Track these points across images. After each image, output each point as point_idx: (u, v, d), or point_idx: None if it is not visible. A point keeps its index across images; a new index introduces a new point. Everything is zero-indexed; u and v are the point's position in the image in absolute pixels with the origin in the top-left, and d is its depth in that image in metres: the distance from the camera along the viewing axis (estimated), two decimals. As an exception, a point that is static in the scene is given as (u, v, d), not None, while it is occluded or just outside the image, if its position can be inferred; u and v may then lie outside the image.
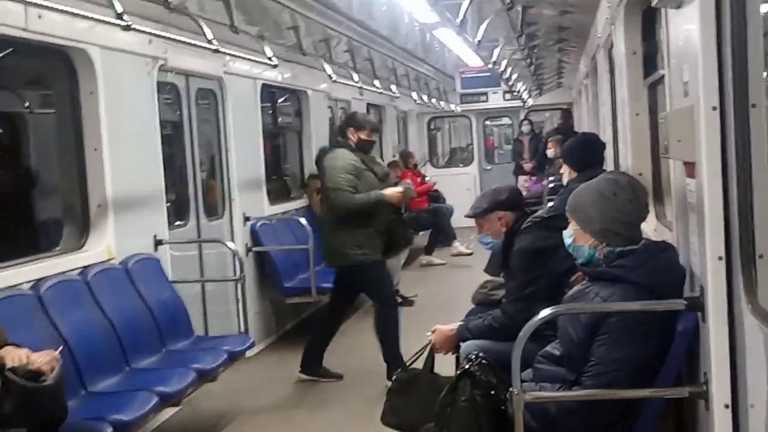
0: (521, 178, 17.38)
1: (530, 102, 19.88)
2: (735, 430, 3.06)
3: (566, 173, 6.73)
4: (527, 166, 17.51)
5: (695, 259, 3.42)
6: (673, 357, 3.57)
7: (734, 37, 2.86)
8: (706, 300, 3.15)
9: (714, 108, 2.99)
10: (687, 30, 3.32)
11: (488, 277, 6.11)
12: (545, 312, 3.55)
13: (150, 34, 6.53)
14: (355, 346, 8.87)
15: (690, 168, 3.37)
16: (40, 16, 5.41)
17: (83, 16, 5.64)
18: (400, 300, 10.76)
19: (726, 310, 3.05)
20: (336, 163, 7.36)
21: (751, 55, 2.81)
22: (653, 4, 3.70)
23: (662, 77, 4.53)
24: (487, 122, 21.29)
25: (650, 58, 5.94)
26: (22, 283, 5.35)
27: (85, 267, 5.95)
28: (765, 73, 2.83)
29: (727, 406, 3.07)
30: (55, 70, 6.32)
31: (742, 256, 2.87)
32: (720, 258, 3.03)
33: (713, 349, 3.10)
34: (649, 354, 3.59)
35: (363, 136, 7.52)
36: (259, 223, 8.97)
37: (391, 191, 7.43)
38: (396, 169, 14.67)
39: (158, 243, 6.88)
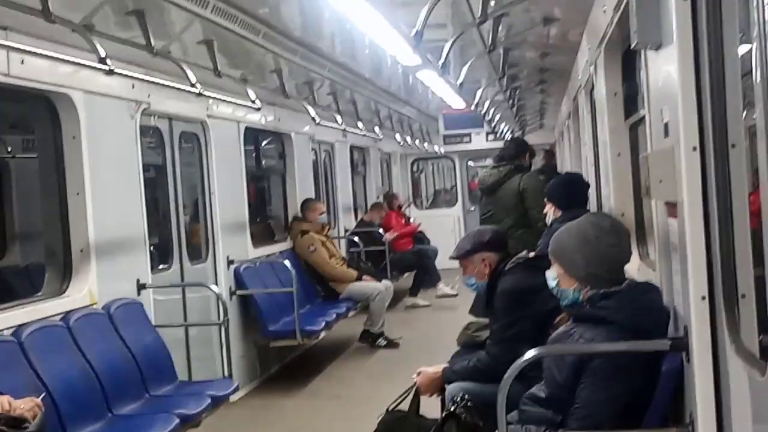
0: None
1: (513, 143, 19.92)
2: (722, 472, 3.04)
3: (550, 212, 6.76)
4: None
5: (679, 299, 3.42)
6: (658, 398, 3.55)
7: (713, 77, 2.89)
8: (691, 340, 3.15)
9: (694, 148, 3.01)
10: (666, 71, 3.35)
11: (472, 318, 6.10)
12: (530, 353, 3.54)
13: (133, 78, 6.55)
14: (340, 391, 8.83)
15: (672, 208, 3.38)
16: (22, 62, 5.41)
17: (66, 61, 5.65)
18: (384, 342, 10.76)
19: (710, 350, 3.04)
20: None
21: (729, 95, 2.83)
22: (633, 46, 3.73)
23: (643, 118, 4.57)
24: (471, 163, 21.37)
25: (631, 99, 5.99)
26: (3, 329, 5.30)
27: (67, 312, 5.90)
28: (744, 114, 2.85)
29: (713, 447, 3.06)
30: (37, 114, 6.31)
31: (725, 295, 2.86)
32: (703, 298, 3.03)
33: (698, 390, 3.09)
34: (634, 395, 3.58)
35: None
36: (242, 266, 8.94)
37: None
38: (380, 210, 14.69)
39: (141, 287, 6.84)
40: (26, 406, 3.97)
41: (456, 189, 20.70)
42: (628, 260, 4.01)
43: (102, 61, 5.69)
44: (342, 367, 10.04)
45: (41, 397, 4.17)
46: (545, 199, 6.92)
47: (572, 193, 6.80)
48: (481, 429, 4.08)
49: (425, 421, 4.78)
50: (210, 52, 7.07)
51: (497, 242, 5.25)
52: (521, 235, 8.06)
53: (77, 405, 5.45)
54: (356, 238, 13.11)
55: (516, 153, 8.89)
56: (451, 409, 4.23)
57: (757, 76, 2.25)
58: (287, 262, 9.29)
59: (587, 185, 7.26)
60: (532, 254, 5.20)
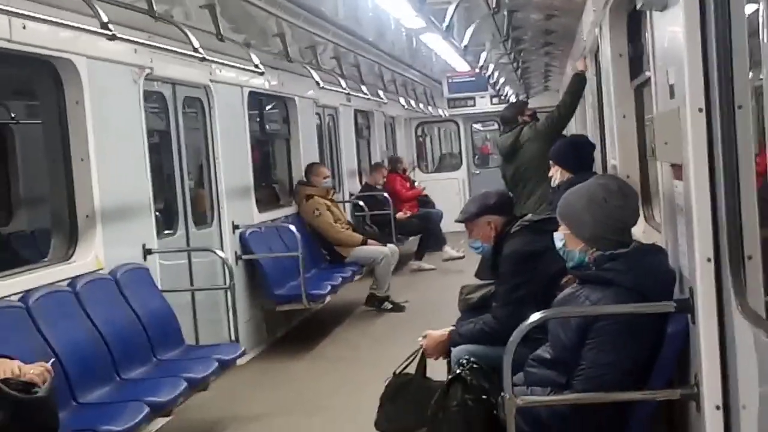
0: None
1: (518, 105, 19.83)
2: (727, 432, 3.06)
3: (556, 175, 6.74)
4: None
5: (684, 261, 3.43)
6: (663, 359, 3.57)
7: (719, 38, 2.86)
8: (696, 302, 3.15)
9: (700, 110, 3.00)
10: (672, 32, 3.32)
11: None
12: (536, 316, 3.54)
13: (136, 43, 6.51)
14: (347, 355, 8.87)
15: (677, 170, 3.37)
16: (24, 27, 5.39)
17: (68, 26, 5.61)
18: (390, 306, 10.79)
19: (715, 311, 3.05)
20: None
21: (736, 56, 2.81)
22: (638, 6, 3.71)
23: (648, 79, 4.55)
24: (476, 126, 21.30)
25: (636, 60, 5.95)
26: (10, 295, 5.32)
27: (73, 277, 5.92)
28: (750, 74, 2.84)
29: (718, 408, 3.07)
30: (40, 80, 6.29)
31: (731, 257, 2.87)
32: (709, 259, 3.03)
33: (703, 351, 3.10)
34: (639, 357, 3.59)
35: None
36: (248, 231, 8.95)
37: None
38: (381, 170, 14.65)
39: (147, 252, 6.86)
40: (36, 371, 3.99)
41: (461, 152, 20.66)
42: (635, 223, 4.01)
43: (104, 26, 5.64)
44: (348, 330, 10.08)
45: (51, 362, 4.19)
46: (551, 162, 6.90)
47: (579, 155, 6.78)
48: (487, 391, 4.09)
49: (431, 383, 4.80)
50: (212, 16, 7.02)
51: (503, 205, 5.24)
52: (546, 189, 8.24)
53: (85, 369, 5.48)
54: (361, 202, 13.11)
55: (513, 114, 9.20)
56: (457, 372, 4.25)
57: (763, 36, 2.23)
58: (292, 227, 9.30)
59: (593, 147, 7.24)
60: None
